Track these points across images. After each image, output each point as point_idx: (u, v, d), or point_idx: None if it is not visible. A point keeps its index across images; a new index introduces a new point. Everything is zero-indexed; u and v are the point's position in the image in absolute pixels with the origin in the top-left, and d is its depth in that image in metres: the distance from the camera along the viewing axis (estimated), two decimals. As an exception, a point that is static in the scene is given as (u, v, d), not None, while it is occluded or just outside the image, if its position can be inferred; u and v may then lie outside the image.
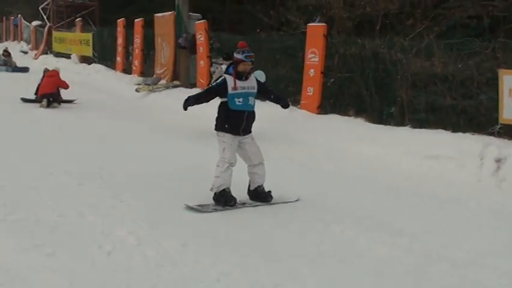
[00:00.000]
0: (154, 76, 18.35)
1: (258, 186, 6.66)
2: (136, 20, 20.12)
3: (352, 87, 11.65)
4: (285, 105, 7.08)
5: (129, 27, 20.74)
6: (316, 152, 9.74)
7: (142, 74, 19.63)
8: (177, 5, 17.41)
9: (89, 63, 23.76)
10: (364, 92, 11.36)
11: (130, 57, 20.91)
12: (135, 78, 19.23)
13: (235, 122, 6.41)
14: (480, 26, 12.23)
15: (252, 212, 6.40)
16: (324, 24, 12.24)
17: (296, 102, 12.30)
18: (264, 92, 6.81)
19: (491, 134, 9.01)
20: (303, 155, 9.52)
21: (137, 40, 20.02)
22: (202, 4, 20.61)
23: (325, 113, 11.91)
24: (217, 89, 6.49)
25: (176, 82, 17.22)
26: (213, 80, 11.73)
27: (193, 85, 16.57)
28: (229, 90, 6.34)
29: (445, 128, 9.68)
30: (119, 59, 21.43)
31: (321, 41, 11.88)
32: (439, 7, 12.69)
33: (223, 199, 6.38)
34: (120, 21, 21.42)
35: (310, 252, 5.21)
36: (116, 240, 5.22)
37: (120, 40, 21.38)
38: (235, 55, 6.46)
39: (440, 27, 12.30)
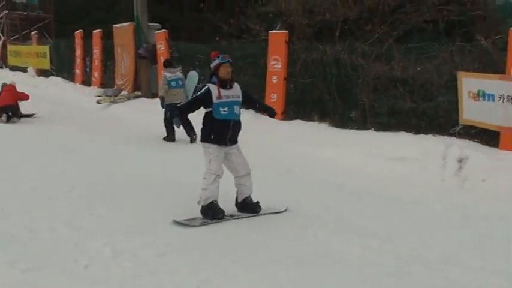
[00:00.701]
0: (115, 87, 18.21)
1: (246, 197, 6.53)
2: (94, 31, 19.92)
3: (314, 92, 11.81)
4: (271, 114, 7.01)
5: (87, 38, 20.52)
6: (282, 157, 9.83)
7: (102, 85, 19.43)
8: (136, 15, 17.34)
9: (47, 76, 23.36)
10: (327, 97, 11.54)
11: (88, 69, 20.69)
12: (95, 89, 19.02)
13: (221, 132, 6.25)
14: (436, 30, 12.55)
15: (231, 221, 6.38)
16: (286, 31, 12.39)
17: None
18: (248, 101, 6.70)
19: (452, 134, 9.27)
20: (269, 161, 9.58)
21: (96, 51, 19.82)
22: (161, 13, 20.59)
23: (289, 118, 12.04)
24: (202, 99, 6.31)
25: (138, 93, 17.13)
26: (159, 90, 12.00)
27: (155, 95, 16.48)
28: (214, 100, 6.19)
29: (406, 131, 9.91)
30: (77, 71, 21.15)
31: (283, 47, 12.03)
32: (397, 12, 12.95)
33: (211, 212, 6.22)
34: (78, 33, 21.15)
35: (289, 258, 5.25)
36: (92, 253, 5.18)
37: (78, 52, 21.10)
38: (212, 64, 6.33)
39: (398, 31, 12.56)
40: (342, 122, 11.26)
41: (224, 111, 6.23)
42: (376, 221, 6.44)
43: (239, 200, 6.57)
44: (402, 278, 4.87)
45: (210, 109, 6.26)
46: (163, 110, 11.76)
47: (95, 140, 11.71)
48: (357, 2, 13.16)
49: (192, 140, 11.30)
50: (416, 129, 9.86)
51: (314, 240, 5.77)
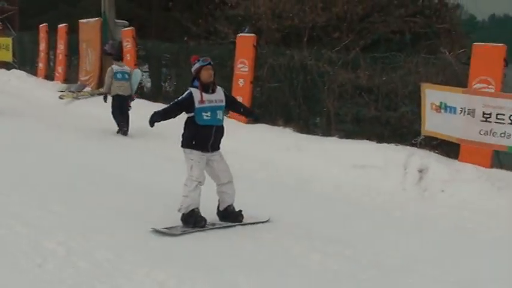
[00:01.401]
0: (79, 83, 17.92)
1: (228, 205, 6.32)
2: (60, 25, 19.58)
3: (280, 97, 11.84)
4: (255, 119, 6.90)
5: (52, 32, 20.16)
6: (246, 161, 9.78)
7: (66, 80, 19.11)
8: (103, 11, 17.11)
9: (8, 69, 22.85)
10: (292, 102, 11.57)
11: (51, 63, 20.33)
12: (58, 85, 18.70)
13: (203, 137, 6.04)
14: (402, 41, 12.73)
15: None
16: (254, 34, 12.39)
17: (225, 112, 12.34)
18: (232, 105, 6.52)
19: (414, 144, 9.39)
20: (233, 165, 9.53)
21: (61, 46, 19.49)
22: (128, 10, 20.37)
23: (254, 122, 12.01)
24: (183, 104, 6.05)
25: (102, 89, 16.83)
26: (105, 84, 12.36)
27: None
28: (196, 104, 5.96)
29: (370, 139, 9.99)
30: (41, 65, 20.77)
31: (251, 51, 12.02)
32: (364, 21, 13.10)
33: (193, 220, 6.00)
34: (43, 27, 20.77)
35: (248, 262, 5.25)
36: (46, 252, 5.07)
37: (42, 46, 20.72)
38: (193, 68, 6.09)
39: (365, 40, 12.70)
40: (306, 127, 11.30)
41: (207, 116, 6.00)
42: (338, 227, 6.48)
43: (221, 209, 6.35)
44: (359, 284, 4.90)
45: (192, 114, 6.02)
46: (111, 104, 12.23)
47: (55, 136, 11.53)
48: (325, 9, 13.25)
49: (123, 133, 11.92)
50: (380, 138, 9.95)
51: (275, 245, 5.76)
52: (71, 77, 19.17)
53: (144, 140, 11.41)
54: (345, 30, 12.99)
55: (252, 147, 10.45)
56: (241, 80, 12.23)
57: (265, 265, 5.19)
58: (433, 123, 9.04)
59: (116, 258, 5.02)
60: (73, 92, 16.89)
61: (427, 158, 8.71)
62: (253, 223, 6.34)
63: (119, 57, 16.01)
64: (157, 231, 5.84)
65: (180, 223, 6.07)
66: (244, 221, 6.32)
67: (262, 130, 11.43)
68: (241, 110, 6.80)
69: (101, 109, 13.60)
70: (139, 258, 5.07)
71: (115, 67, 12.32)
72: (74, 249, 5.15)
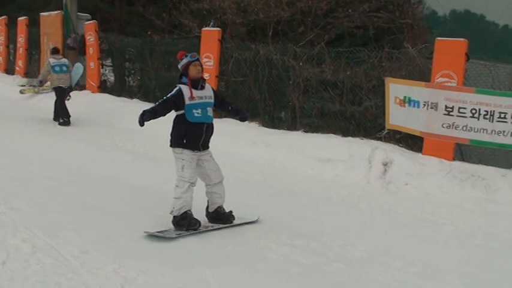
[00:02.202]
0: (40, 77, 17.53)
1: (219, 207, 6.13)
2: (20, 18, 19.15)
3: (246, 91, 11.82)
4: (243, 118, 6.57)
5: (12, 25, 19.71)
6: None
7: (26, 74, 18.72)
8: (65, 4, 16.80)
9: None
10: (258, 97, 11.57)
11: (11, 57, 19.89)
12: (18, 78, 18.30)
13: (194, 136, 5.82)
14: (366, 36, 12.87)
15: (156, 220, 6.25)
16: (219, 28, 12.34)
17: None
18: (221, 102, 6.26)
19: (379, 138, 9.51)
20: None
21: (21, 39, 19.05)
22: (91, 4, 20.06)
23: (220, 116, 11.96)
24: (173, 100, 5.78)
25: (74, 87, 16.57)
26: (41, 74, 12.91)
27: (82, 87, 16.05)
28: (186, 101, 5.75)
29: (335, 133, 10.09)
30: (0, 58, 20.29)
31: (216, 45, 11.96)
32: (329, 16, 13.20)
33: (186, 222, 5.79)
34: (2, 19, 20.27)
35: (215, 256, 5.25)
36: (10, 248, 4.96)
37: (2, 39, 20.24)
38: (180, 64, 5.92)
39: (330, 35, 12.80)
40: (272, 122, 11.33)
41: (197, 113, 5.80)
42: (304, 220, 6.52)
43: (210, 210, 6.16)
44: (325, 276, 4.95)
45: (182, 111, 5.80)
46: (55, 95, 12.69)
47: (14, 130, 11.29)
48: (290, 4, 13.30)
49: (62, 123, 12.32)
50: (344, 132, 10.06)
51: (243, 239, 5.76)
52: (32, 71, 18.77)
53: (105, 133, 11.30)
54: (309, 25, 13.08)
55: (218, 141, 10.34)
56: (206, 75, 12.09)
57: (232, 259, 5.20)
58: (397, 117, 9.16)
59: (82, 255, 4.95)
60: (34, 86, 16.53)
61: (391, 152, 8.83)
62: (244, 223, 6.18)
63: (82, 51, 15.90)
64: (151, 235, 5.62)
65: (171, 226, 5.85)
66: (235, 221, 6.16)
67: (228, 124, 11.40)
68: (230, 108, 6.47)
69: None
70: (106, 254, 5.01)
71: (52, 60, 12.69)
72: (39, 246, 5.06)
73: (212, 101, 6.01)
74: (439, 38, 9.02)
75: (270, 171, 8.97)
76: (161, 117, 5.88)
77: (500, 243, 6.11)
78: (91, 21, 16.11)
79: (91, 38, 15.66)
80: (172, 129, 5.94)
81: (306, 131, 10.50)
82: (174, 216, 5.84)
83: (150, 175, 8.17)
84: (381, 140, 9.46)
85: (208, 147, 6.05)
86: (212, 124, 6.01)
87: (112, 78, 16.36)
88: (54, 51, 13.25)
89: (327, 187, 8.20)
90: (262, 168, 9.08)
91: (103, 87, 15.69)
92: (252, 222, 6.24)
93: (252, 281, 4.74)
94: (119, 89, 15.37)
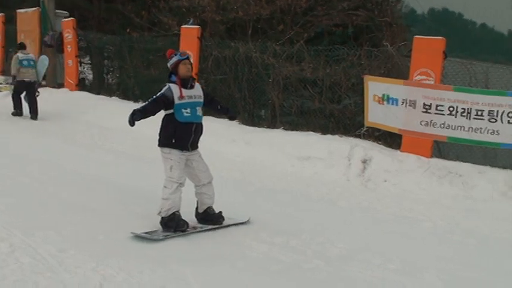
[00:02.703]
0: (13, 72, 17.31)
1: (208, 207, 6.05)
2: (-5, 15, 18.89)
3: (225, 89, 11.81)
4: (232, 117, 6.58)
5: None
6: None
7: (3, 72, 18.45)
8: (42, 1, 16.61)
9: None
10: (238, 95, 11.56)
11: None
12: (-5, 77, 18.07)
13: (183, 135, 5.72)
14: (345, 34, 12.91)
15: (138, 220, 6.21)
16: (198, 26, 12.31)
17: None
18: (210, 102, 6.17)
19: (358, 136, 9.57)
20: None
21: (-3, 36, 18.81)
22: (68, 1, 19.82)
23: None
24: (163, 99, 5.65)
25: (42, 82, 16.39)
26: (12, 68, 13.16)
27: (60, 85, 15.92)
28: (176, 100, 5.63)
29: (314, 131, 10.13)
30: (-24, 56, 19.99)
31: (195, 43, 11.94)
32: (308, 14, 13.23)
33: (174, 224, 5.69)
34: (-22, 16, 19.98)
35: (195, 254, 5.24)
36: (-13, 248, 4.90)
37: (-23, 36, 19.93)
38: (170, 63, 5.82)
39: (309, 33, 12.83)
40: (251, 120, 11.33)
41: (187, 112, 5.69)
42: (284, 218, 6.53)
43: (200, 211, 6.07)
44: (304, 273, 4.96)
45: (171, 111, 5.68)
46: (14, 88, 13.21)
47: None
48: (269, 2, 13.30)
49: (18, 114, 13.05)
50: (324, 130, 10.10)
51: (222, 237, 5.75)
52: (8, 69, 18.48)
53: (84, 131, 11.23)
54: (289, 23, 13.09)
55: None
56: (185, 72, 12.10)
57: (212, 257, 5.18)
58: (375, 115, 9.22)
59: (60, 254, 4.89)
60: (11, 84, 16.32)
61: (370, 149, 8.90)
62: (234, 224, 6.10)
63: (60, 49, 15.74)
64: (137, 236, 5.51)
65: (159, 226, 5.76)
66: (224, 222, 6.07)
67: (208, 122, 11.33)
68: (219, 107, 6.38)
69: (40, 102, 13.28)
70: (85, 253, 4.96)
71: (20, 55, 13.08)
72: (17, 245, 4.99)
73: (202, 100, 5.90)
74: (417, 36, 9.10)
75: (249, 169, 8.98)
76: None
77: (477, 240, 6.17)
78: (69, 19, 15.96)
79: (69, 36, 15.51)
80: (161, 129, 5.83)
81: (285, 129, 10.54)
82: (162, 217, 5.74)
83: (129, 173, 8.13)
84: (360, 138, 9.53)
85: (197, 147, 5.96)
86: (201, 124, 5.90)
87: (91, 76, 16.23)
88: (21, 46, 13.58)
89: (307, 184, 8.23)
90: (242, 166, 9.08)
91: (81, 85, 15.57)
92: (242, 223, 6.15)
93: (232, 279, 4.74)
94: (98, 86, 15.26)
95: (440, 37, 8.84)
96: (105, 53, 15.61)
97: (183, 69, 5.76)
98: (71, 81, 15.34)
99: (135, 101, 13.25)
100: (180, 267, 4.85)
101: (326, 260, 5.27)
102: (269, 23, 13.29)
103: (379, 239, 6.05)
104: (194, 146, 5.89)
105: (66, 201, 6.51)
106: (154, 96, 5.74)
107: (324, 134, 9.87)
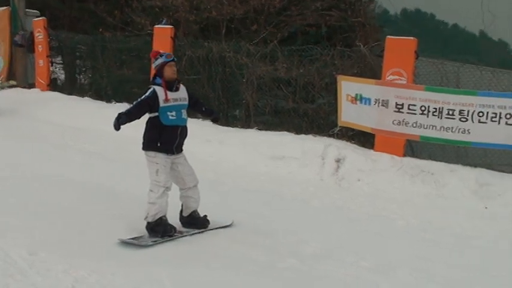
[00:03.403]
0: (-13, 75, 17.07)
1: (193, 211, 5.98)
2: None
3: (199, 89, 11.74)
4: (216, 119, 6.53)
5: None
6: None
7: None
8: (12, 0, 16.36)
9: None
10: (212, 95, 11.52)
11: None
12: (-36, 77, 17.74)
13: (168, 139, 5.64)
14: (319, 34, 12.97)
15: (109, 220, 6.14)
16: (171, 26, 12.25)
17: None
18: (195, 104, 6.10)
19: (331, 135, 9.61)
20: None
21: (-34, 36, 18.45)
22: (39, 0, 19.55)
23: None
24: (148, 103, 5.54)
25: (12, 82, 16.09)
26: None
27: (31, 85, 15.70)
28: (161, 103, 5.53)
29: (288, 130, 10.14)
30: None
31: (168, 43, 11.86)
32: (281, 14, 13.24)
33: (161, 229, 5.60)
34: None
35: (169, 254, 5.22)
36: (-45, 251, 4.80)
37: None
38: (155, 64, 5.71)
39: (283, 33, 12.85)
40: (225, 120, 11.30)
41: (172, 116, 5.60)
42: (257, 217, 6.52)
43: (185, 215, 6.00)
44: (279, 272, 4.97)
45: (156, 114, 5.58)
46: None
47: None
48: (243, 2, 13.27)
49: None
50: (298, 129, 10.12)
51: (196, 237, 5.74)
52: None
53: (55, 131, 11.11)
54: (262, 23, 13.09)
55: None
56: (159, 72, 12.04)
57: (186, 258, 5.17)
58: (349, 114, 9.27)
59: (31, 256, 4.82)
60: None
61: (344, 149, 8.94)
62: (219, 228, 6.04)
63: (30, 48, 15.53)
64: (125, 242, 5.40)
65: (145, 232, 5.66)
66: (209, 226, 6.02)
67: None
68: (203, 110, 6.34)
69: (9, 102, 13.12)
70: (56, 255, 4.89)
71: None
72: (-14, 248, 4.91)
73: (187, 102, 5.82)
74: (389, 37, 9.17)
75: (223, 169, 8.95)
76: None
77: (449, 237, 6.25)
78: (40, 18, 15.75)
79: (40, 35, 15.31)
80: (145, 132, 5.73)
81: (259, 129, 10.54)
82: (148, 222, 5.64)
83: (102, 174, 8.04)
84: (334, 137, 9.56)
85: (182, 150, 5.89)
86: (186, 127, 5.84)
87: (63, 76, 16.03)
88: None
89: (281, 184, 8.23)
90: (216, 166, 9.04)
91: (53, 85, 15.37)
92: (227, 226, 6.09)
93: (207, 279, 4.72)
94: (70, 87, 15.09)
95: (412, 37, 8.93)
96: (77, 53, 15.45)
97: (168, 72, 5.66)
98: (42, 82, 15.14)
99: (108, 101, 13.14)
100: (155, 269, 4.81)
101: (300, 259, 5.28)
102: (243, 22, 13.27)
103: (352, 237, 6.09)
104: (179, 149, 5.83)
105: (37, 203, 6.40)
106: (139, 99, 5.63)
107: (298, 134, 9.89)
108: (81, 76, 15.74)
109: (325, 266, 5.16)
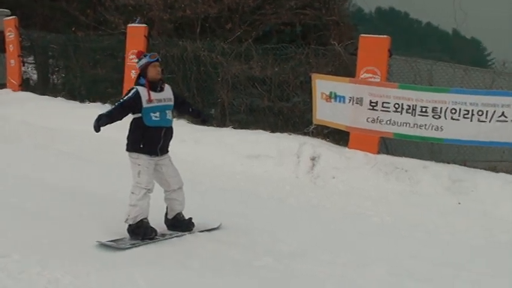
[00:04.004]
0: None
1: (178, 213, 5.89)
2: None
3: (174, 88, 11.65)
4: (204, 120, 6.46)
5: None
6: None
7: None
8: (-18, -1, 16.13)
9: None
10: (186, 94, 11.47)
11: None
12: None
13: (151, 140, 5.53)
14: (293, 32, 13.00)
15: (82, 221, 6.09)
16: (145, 25, 12.17)
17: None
18: (181, 105, 6.01)
19: (306, 134, 9.65)
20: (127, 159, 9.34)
21: None
22: (10, -1, 19.29)
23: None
24: (130, 104, 5.46)
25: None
26: None
27: (2, 85, 15.46)
28: (144, 104, 5.44)
29: (264, 129, 10.15)
30: None
31: (142, 42, 11.79)
32: (256, 13, 13.23)
33: (142, 231, 5.50)
34: None
35: (144, 254, 5.18)
36: None
37: None
38: (139, 64, 5.61)
39: (257, 32, 12.85)
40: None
41: (155, 116, 5.50)
42: (233, 216, 6.51)
43: (169, 217, 5.91)
44: (255, 271, 4.97)
45: (139, 115, 5.49)
46: None
47: None
48: (217, 1, 13.23)
49: None
50: (273, 128, 10.14)
51: (174, 238, 5.69)
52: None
53: (27, 132, 10.99)
54: (237, 21, 13.06)
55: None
56: (133, 71, 11.93)
57: (162, 258, 5.14)
58: (323, 113, 9.31)
59: (3, 259, 4.73)
60: None
61: (319, 147, 8.98)
62: (205, 230, 5.95)
63: (1, 48, 15.30)
64: (103, 245, 5.30)
65: (126, 234, 5.57)
66: (195, 229, 5.93)
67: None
68: (190, 111, 6.26)
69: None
70: (29, 257, 4.82)
71: None
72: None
73: (172, 103, 5.73)
74: (362, 35, 9.24)
75: (199, 168, 8.92)
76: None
77: (423, 233, 6.32)
78: (11, 17, 15.53)
79: (11, 35, 15.11)
80: (129, 133, 5.63)
81: (235, 128, 10.53)
82: (129, 225, 5.55)
83: (76, 175, 7.96)
84: (309, 135, 9.60)
85: (167, 152, 5.78)
86: (171, 128, 5.73)
87: (35, 76, 15.84)
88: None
89: (257, 183, 8.24)
90: (192, 166, 8.97)
91: (25, 86, 15.17)
92: (214, 229, 6.01)
93: (182, 279, 4.70)
94: (43, 87, 14.90)
95: (385, 36, 9.00)
96: (50, 52, 15.27)
97: (152, 72, 5.57)
98: (14, 82, 14.94)
99: (82, 101, 13.01)
100: (129, 269, 4.78)
101: (276, 257, 5.30)
102: (217, 21, 13.23)
103: (328, 235, 6.12)
104: (164, 151, 5.72)
105: (11, 204, 6.30)
106: (121, 100, 5.56)
107: (273, 132, 9.91)
108: (54, 76, 15.56)
109: (301, 264, 5.18)
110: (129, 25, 12.44)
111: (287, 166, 8.75)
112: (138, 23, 12.47)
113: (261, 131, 10.04)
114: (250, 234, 5.87)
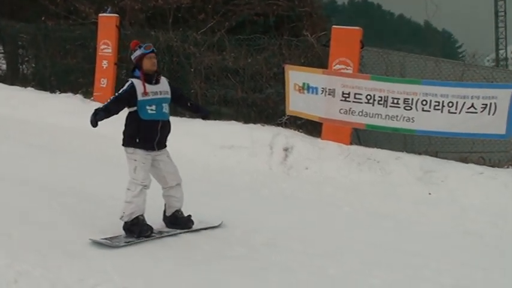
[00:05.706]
0: None
1: (176, 210, 5.75)
2: None
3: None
4: (205, 116, 6.34)
5: None
6: (110, 146, 9.45)
7: None
8: None
9: None
10: (159, 85, 11.39)
11: None
12: None
13: (147, 134, 5.39)
14: (266, 23, 13.00)
15: (57, 215, 6.01)
16: (116, 15, 12.04)
17: (89, 94, 12.05)
18: (178, 99, 5.83)
19: (280, 124, 9.68)
20: (96, 150, 9.25)
21: None
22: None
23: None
24: (125, 97, 5.34)
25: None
26: None
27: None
28: (139, 97, 5.31)
29: (237, 120, 10.15)
30: None
31: (114, 32, 11.68)
32: (229, 3, 13.20)
33: (137, 229, 5.36)
34: None
35: (116, 247, 5.14)
36: None
37: None
38: (133, 56, 5.48)
39: (230, 23, 12.81)
40: (174, 110, 11.18)
41: (151, 110, 5.36)
42: (207, 207, 6.48)
43: (168, 214, 5.78)
44: (228, 261, 4.99)
45: (135, 108, 5.35)
46: None
47: None
48: (190, -10, 13.18)
49: None
50: (246, 119, 10.15)
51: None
52: None
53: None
54: (210, 12, 13.03)
55: (115, 130, 10.15)
56: (104, 62, 11.85)
57: (134, 249, 5.13)
58: (296, 104, 9.33)
59: (-30, 251, 4.67)
60: None
61: (292, 137, 9.02)
62: (205, 228, 5.82)
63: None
64: (97, 242, 5.15)
65: (122, 232, 5.43)
66: (195, 226, 5.79)
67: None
68: (189, 105, 6.11)
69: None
70: (-2, 250, 4.76)
71: None
72: None
73: (169, 96, 5.58)
74: (335, 26, 9.29)
75: (173, 159, 8.85)
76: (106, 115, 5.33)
77: (395, 223, 6.40)
78: (-23, 6, 15.22)
79: (-22, 24, 14.80)
80: (125, 127, 5.49)
81: (208, 119, 10.47)
82: (125, 222, 5.43)
83: (45, 167, 7.85)
84: (282, 126, 9.63)
85: (165, 147, 5.66)
86: (168, 122, 5.61)
87: (4, 66, 15.55)
88: None
89: (230, 174, 8.25)
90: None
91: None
92: (215, 227, 5.89)
93: (154, 270, 4.69)
94: (12, 77, 14.64)
95: (357, 27, 9.05)
96: (19, 42, 15.00)
97: (147, 64, 5.44)
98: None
99: (52, 91, 12.82)
100: (100, 260, 4.75)
101: (249, 248, 5.32)
102: (190, 12, 13.16)
103: (301, 225, 6.16)
104: (161, 146, 5.59)
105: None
106: (116, 94, 5.44)
107: (247, 123, 9.91)
108: (24, 66, 15.31)
109: (274, 255, 5.20)
110: (100, 15, 12.30)
111: (260, 157, 8.77)
112: (109, 12, 12.33)
113: (234, 122, 10.04)
114: (223, 225, 5.88)
